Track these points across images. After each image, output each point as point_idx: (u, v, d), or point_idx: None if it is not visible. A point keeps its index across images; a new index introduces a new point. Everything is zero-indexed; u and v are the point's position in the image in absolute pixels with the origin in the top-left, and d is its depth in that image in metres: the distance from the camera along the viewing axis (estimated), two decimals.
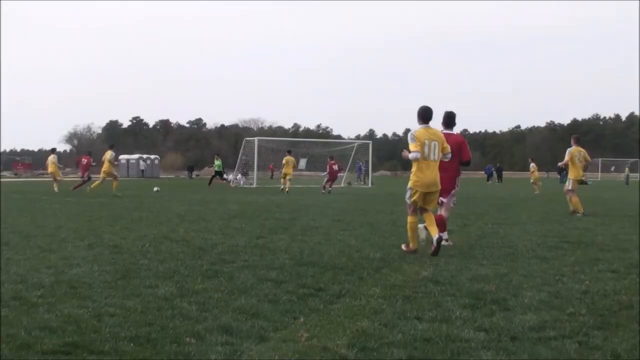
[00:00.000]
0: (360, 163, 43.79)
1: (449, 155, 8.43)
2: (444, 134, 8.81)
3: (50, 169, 26.32)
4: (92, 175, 26.54)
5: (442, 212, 9.05)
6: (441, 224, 8.50)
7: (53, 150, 28.52)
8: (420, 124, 8.37)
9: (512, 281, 6.37)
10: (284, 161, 28.39)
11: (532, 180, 31.31)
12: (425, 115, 8.36)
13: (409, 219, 8.40)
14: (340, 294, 5.71)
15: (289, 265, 7.22)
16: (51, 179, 26.54)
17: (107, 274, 6.52)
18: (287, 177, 27.72)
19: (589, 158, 15.42)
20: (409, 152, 8.20)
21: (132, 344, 4.13)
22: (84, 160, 27.81)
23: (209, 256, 7.83)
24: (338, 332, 4.46)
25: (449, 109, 9.35)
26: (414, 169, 8.29)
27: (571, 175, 15.22)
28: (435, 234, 8.02)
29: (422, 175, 8.19)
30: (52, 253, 7.97)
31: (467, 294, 5.74)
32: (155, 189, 26.73)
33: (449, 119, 9.35)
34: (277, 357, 3.95)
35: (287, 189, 27.09)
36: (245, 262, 7.39)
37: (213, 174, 33.73)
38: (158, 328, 4.50)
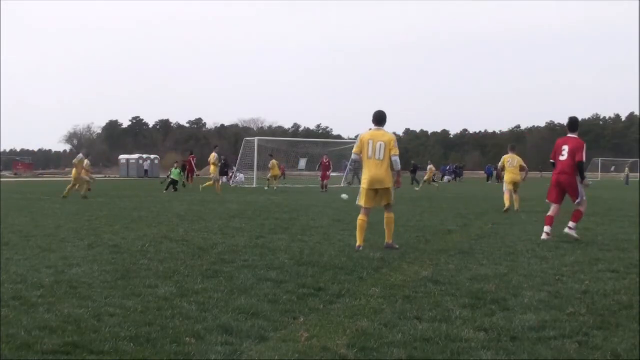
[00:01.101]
0: (347, 163, 43.62)
1: (396, 158, 8.73)
2: (568, 137, 9.99)
3: (83, 173, 27.01)
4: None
5: (580, 208, 10.01)
6: (578, 216, 9.94)
7: (87, 156, 29.35)
8: (374, 125, 8.88)
9: (512, 281, 6.37)
10: (270, 165, 31.76)
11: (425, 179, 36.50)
12: (377, 118, 8.86)
13: (360, 217, 8.78)
14: (340, 294, 5.71)
15: (289, 265, 7.22)
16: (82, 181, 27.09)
17: (107, 274, 6.52)
18: (275, 178, 31.51)
19: (522, 164, 17.19)
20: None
21: (132, 344, 4.13)
22: (192, 160, 30.63)
23: (209, 256, 7.83)
24: (338, 332, 4.46)
25: (573, 115, 10.28)
26: (364, 168, 8.88)
27: (505, 177, 17.09)
28: (389, 239, 8.78)
29: (368, 173, 8.73)
30: (52, 253, 7.98)
31: (467, 294, 5.74)
32: (343, 196, 20.52)
33: (573, 125, 10.22)
34: (277, 357, 3.95)
35: (275, 187, 30.71)
36: (245, 262, 7.39)
37: (169, 180, 29.17)
38: (158, 328, 4.50)
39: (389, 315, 4.95)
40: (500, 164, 17.49)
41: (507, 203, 16.30)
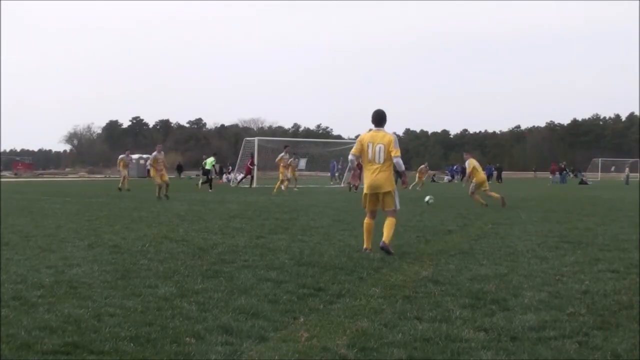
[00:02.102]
0: (335, 162, 43.02)
1: (397, 160, 8.27)
2: None
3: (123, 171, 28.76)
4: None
5: None
6: None
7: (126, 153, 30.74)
8: (374, 126, 8.51)
9: (512, 281, 6.37)
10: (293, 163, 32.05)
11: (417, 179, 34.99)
12: (376, 118, 8.46)
13: (365, 220, 8.55)
14: (340, 294, 5.71)
15: (289, 265, 7.22)
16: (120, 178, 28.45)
17: (107, 274, 6.53)
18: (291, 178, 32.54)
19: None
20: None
21: (132, 344, 4.13)
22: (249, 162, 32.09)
23: (209, 256, 7.83)
24: (338, 332, 4.46)
25: None
26: (364, 171, 8.61)
27: (478, 179, 18.31)
28: (386, 239, 8.12)
29: (367, 177, 8.50)
30: (52, 253, 7.98)
31: (467, 294, 5.74)
32: (427, 198, 18.61)
33: None
34: (277, 357, 3.95)
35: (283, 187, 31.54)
36: (245, 262, 7.39)
37: (204, 173, 29.90)
38: (158, 328, 4.50)
39: (389, 315, 4.95)
40: (469, 170, 18.65)
41: (483, 201, 17.71)
